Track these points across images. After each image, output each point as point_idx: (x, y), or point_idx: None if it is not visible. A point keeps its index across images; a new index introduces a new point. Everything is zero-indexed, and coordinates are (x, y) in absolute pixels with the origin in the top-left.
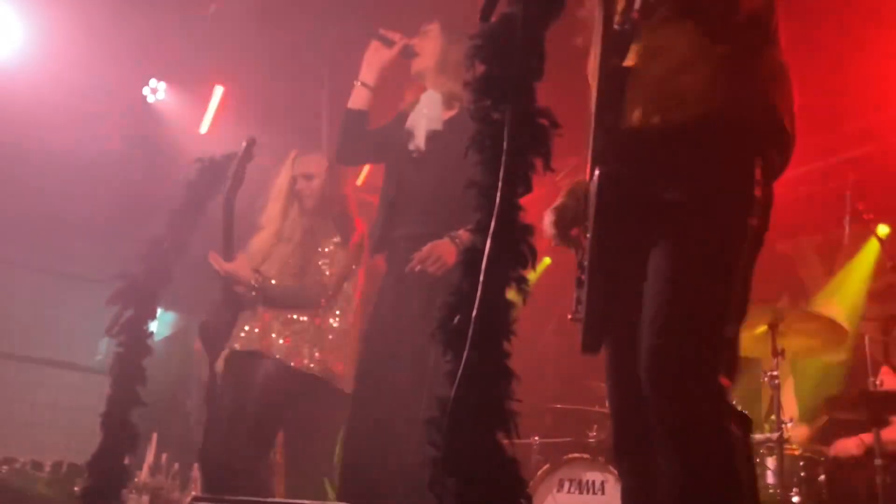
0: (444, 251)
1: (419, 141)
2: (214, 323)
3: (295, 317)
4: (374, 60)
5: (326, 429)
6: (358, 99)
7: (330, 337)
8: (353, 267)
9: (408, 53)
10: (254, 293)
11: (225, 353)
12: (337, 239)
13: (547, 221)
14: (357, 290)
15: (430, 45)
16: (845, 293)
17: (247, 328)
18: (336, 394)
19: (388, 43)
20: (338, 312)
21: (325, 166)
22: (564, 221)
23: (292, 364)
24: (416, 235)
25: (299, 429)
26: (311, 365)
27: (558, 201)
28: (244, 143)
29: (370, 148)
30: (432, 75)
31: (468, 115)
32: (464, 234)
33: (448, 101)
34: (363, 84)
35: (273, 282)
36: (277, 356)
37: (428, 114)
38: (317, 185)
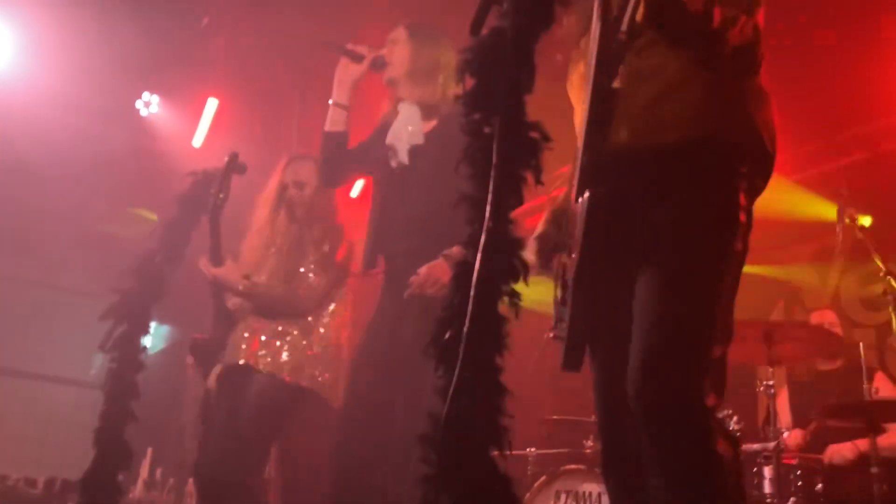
0: (441, 273)
1: (402, 157)
2: (206, 338)
3: (285, 329)
4: (344, 78)
5: (318, 442)
6: (334, 120)
7: (320, 349)
8: (341, 277)
9: (378, 65)
10: (242, 299)
11: (218, 367)
12: (325, 248)
13: (529, 250)
14: (347, 302)
15: (399, 53)
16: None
17: (239, 341)
18: (325, 406)
19: (357, 58)
20: (327, 321)
21: (316, 174)
22: (546, 250)
23: (285, 377)
24: (414, 250)
25: (292, 443)
26: (302, 378)
27: (539, 230)
28: (226, 158)
29: (352, 167)
30: (403, 83)
31: (448, 126)
32: (457, 251)
33: (426, 113)
34: (337, 104)
35: (261, 287)
36: (269, 370)
37: (409, 129)
38: (308, 194)
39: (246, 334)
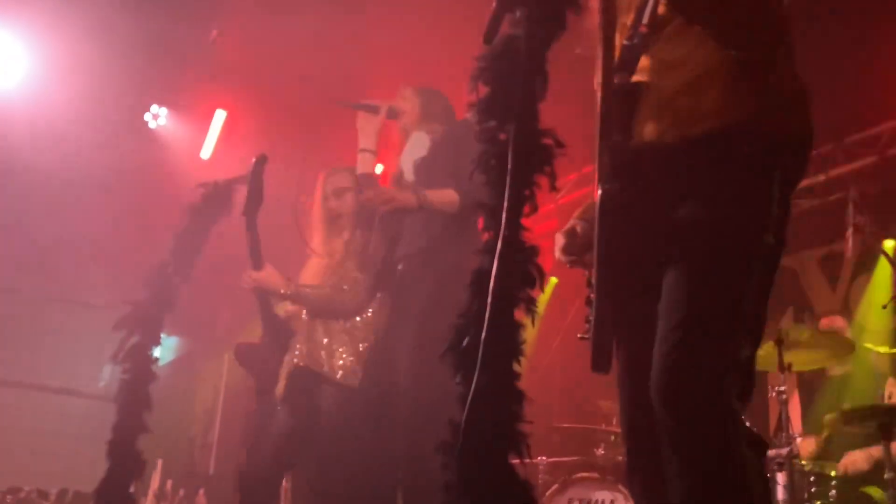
0: (398, 194)
1: (408, 174)
2: (251, 344)
3: (337, 330)
4: (367, 128)
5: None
6: (364, 164)
7: (363, 348)
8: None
9: (393, 114)
10: (287, 301)
11: (283, 372)
12: (369, 249)
13: (557, 245)
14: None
15: (409, 104)
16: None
17: (296, 345)
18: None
19: (374, 109)
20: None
21: (354, 179)
22: (574, 245)
23: (349, 382)
24: (406, 255)
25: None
26: (352, 378)
27: (569, 224)
28: (254, 160)
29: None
30: (418, 124)
31: (449, 134)
32: (432, 195)
33: (430, 130)
34: (366, 150)
35: (304, 288)
36: (335, 377)
37: (416, 152)
38: (349, 200)
39: (308, 340)
